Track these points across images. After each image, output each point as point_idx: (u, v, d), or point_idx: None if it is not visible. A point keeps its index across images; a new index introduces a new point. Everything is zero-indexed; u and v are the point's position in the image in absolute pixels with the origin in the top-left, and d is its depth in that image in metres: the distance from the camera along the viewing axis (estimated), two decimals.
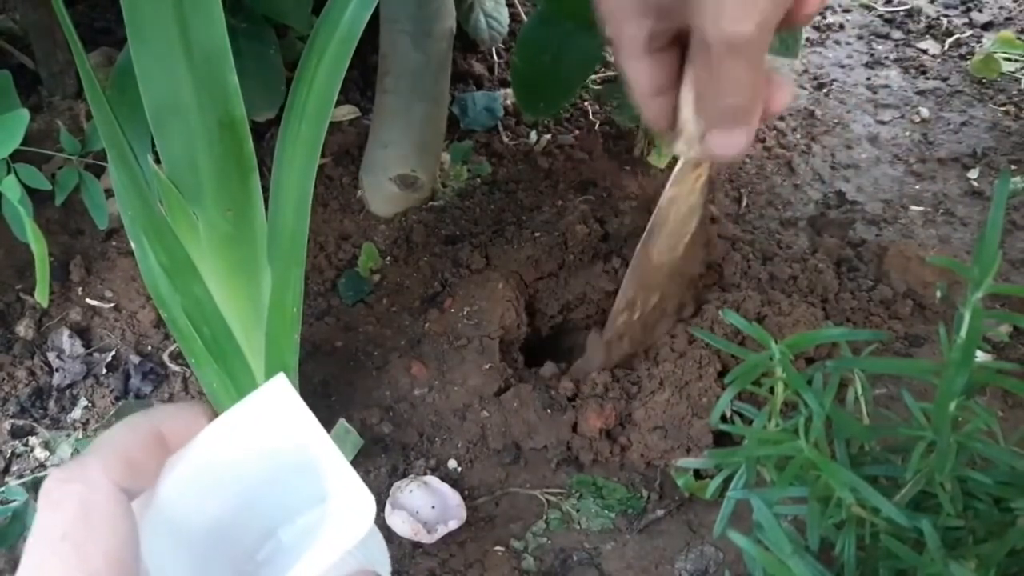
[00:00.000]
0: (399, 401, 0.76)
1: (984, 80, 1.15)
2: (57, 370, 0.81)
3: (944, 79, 1.16)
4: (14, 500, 0.74)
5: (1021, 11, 1.28)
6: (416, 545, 0.65)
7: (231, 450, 0.33)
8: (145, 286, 0.69)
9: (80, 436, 0.78)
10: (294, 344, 0.66)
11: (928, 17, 1.27)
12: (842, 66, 1.20)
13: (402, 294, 0.85)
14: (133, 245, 0.67)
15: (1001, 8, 1.29)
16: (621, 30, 0.46)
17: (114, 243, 0.90)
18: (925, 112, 1.10)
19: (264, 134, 0.96)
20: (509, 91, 1.07)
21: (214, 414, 0.32)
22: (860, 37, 1.26)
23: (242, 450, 0.33)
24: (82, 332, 0.84)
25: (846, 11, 1.31)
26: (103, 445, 0.30)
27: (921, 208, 0.96)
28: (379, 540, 0.37)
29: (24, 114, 0.75)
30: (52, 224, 0.90)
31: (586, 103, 1.07)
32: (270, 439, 0.33)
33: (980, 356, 0.75)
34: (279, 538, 0.35)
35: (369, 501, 0.31)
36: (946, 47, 1.22)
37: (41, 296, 0.69)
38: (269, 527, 0.36)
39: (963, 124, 1.08)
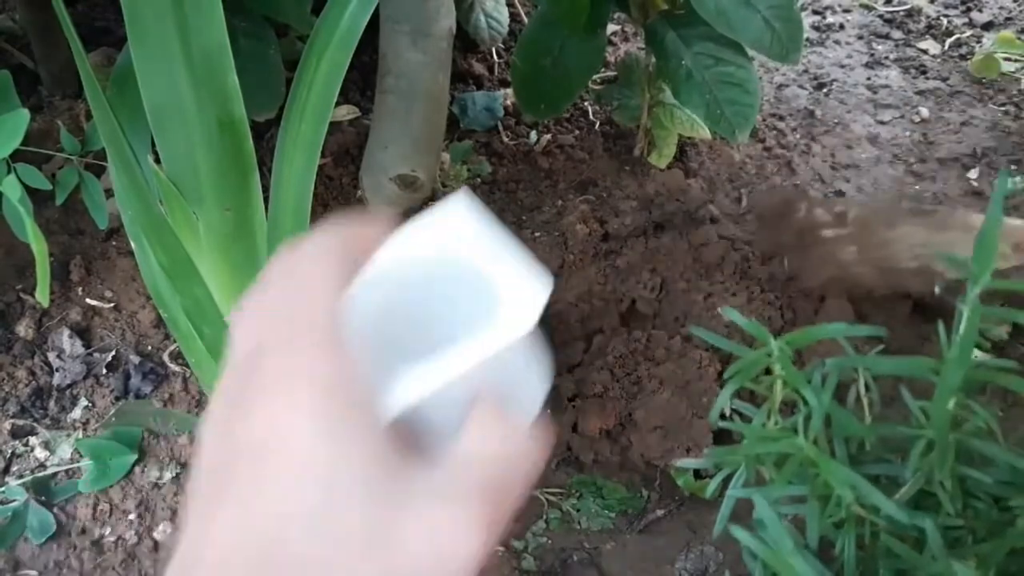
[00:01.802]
0: None
1: (984, 80, 1.15)
2: (57, 370, 0.81)
3: (944, 79, 1.16)
4: (14, 500, 0.74)
5: (1021, 11, 1.28)
6: None
7: (418, 251, 0.37)
8: (145, 286, 0.69)
9: (80, 436, 0.78)
10: None
11: (928, 17, 1.27)
12: (842, 66, 1.20)
13: None
14: (133, 245, 0.67)
15: (1001, 8, 1.29)
16: None
17: (114, 243, 0.90)
18: (925, 112, 1.10)
19: (264, 134, 0.96)
20: (509, 91, 1.07)
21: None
22: (860, 37, 1.26)
23: (429, 251, 0.37)
24: (82, 332, 0.84)
25: (846, 11, 1.31)
26: (318, 239, 0.34)
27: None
28: (537, 362, 0.38)
29: (24, 114, 0.75)
30: (52, 224, 0.90)
31: (586, 103, 1.07)
32: (454, 242, 0.37)
33: (979, 355, 0.75)
34: (452, 332, 0.36)
35: (533, 307, 0.34)
36: (946, 47, 1.22)
37: (41, 296, 0.69)
38: (447, 320, 0.38)
39: (963, 124, 1.08)
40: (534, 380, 0.38)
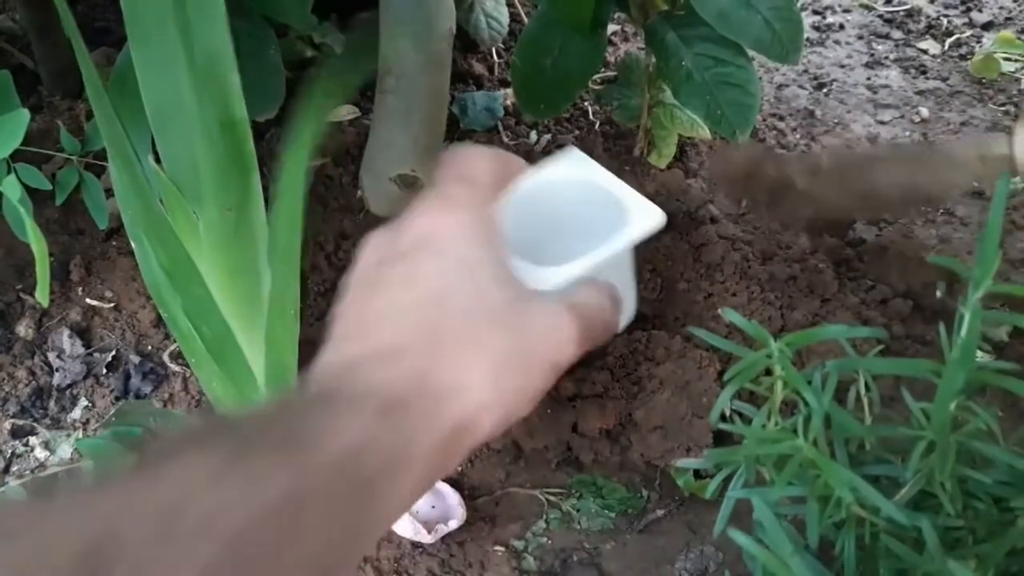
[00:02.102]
0: None
1: (984, 80, 1.15)
2: (57, 370, 0.81)
3: (944, 79, 1.16)
4: None
5: (1021, 11, 1.28)
6: (416, 545, 0.65)
7: (553, 178, 0.50)
8: (145, 286, 0.69)
9: (80, 436, 0.78)
10: (294, 344, 0.66)
11: (928, 17, 1.27)
12: (842, 66, 1.20)
13: None
14: (133, 245, 0.67)
15: (1001, 8, 1.29)
16: None
17: (114, 243, 0.90)
18: (925, 112, 1.10)
19: (264, 134, 0.96)
20: (509, 91, 1.07)
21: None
22: (860, 37, 1.26)
23: (560, 181, 0.50)
24: (82, 332, 0.84)
25: (846, 11, 1.31)
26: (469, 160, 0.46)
27: (921, 208, 0.96)
28: (634, 281, 0.50)
29: (24, 114, 0.75)
30: (52, 224, 0.90)
31: (586, 103, 1.07)
32: (580, 176, 0.51)
33: (980, 356, 0.75)
34: (592, 231, 0.49)
35: (659, 212, 0.46)
36: (946, 47, 1.22)
37: (41, 296, 0.69)
38: (586, 223, 0.50)
39: (963, 124, 1.08)
40: (629, 293, 0.50)
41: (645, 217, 0.48)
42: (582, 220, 0.52)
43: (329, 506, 0.33)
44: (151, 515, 0.28)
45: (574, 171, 0.53)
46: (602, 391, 0.71)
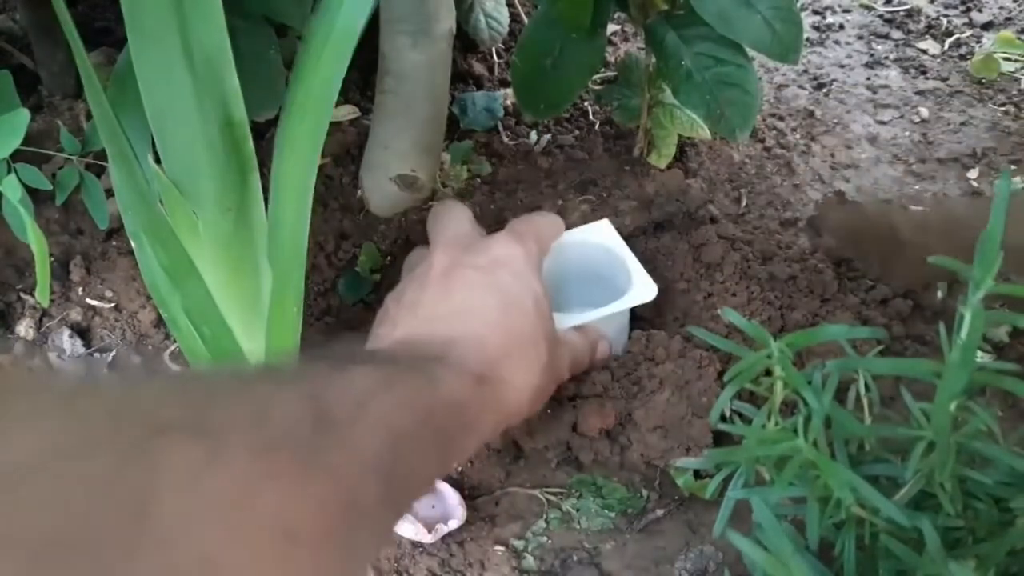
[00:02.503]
0: None
1: (984, 80, 1.15)
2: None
3: (944, 79, 1.16)
4: None
5: (1021, 11, 1.28)
6: (416, 545, 0.65)
7: (582, 240, 0.71)
8: (145, 286, 0.69)
9: None
10: (294, 344, 0.66)
11: (928, 17, 1.27)
12: (842, 66, 1.20)
13: None
14: (133, 245, 0.67)
15: (1001, 8, 1.29)
16: None
17: (114, 243, 0.90)
18: (925, 112, 1.10)
19: (264, 134, 0.95)
20: (509, 91, 1.07)
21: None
22: (860, 37, 1.26)
23: (587, 244, 0.71)
24: (82, 332, 0.84)
25: (846, 11, 1.31)
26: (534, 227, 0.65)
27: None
28: (627, 330, 0.72)
29: (24, 114, 0.75)
30: (52, 224, 0.90)
31: (586, 103, 1.07)
32: (603, 243, 0.71)
33: (980, 357, 0.75)
34: (600, 288, 0.70)
35: (654, 286, 0.68)
36: (946, 47, 1.22)
37: (41, 296, 0.69)
38: (597, 280, 0.72)
39: (963, 124, 1.08)
40: (620, 338, 0.70)
41: (643, 289, 0.68)
42: (596, 277, 0.71)
43: (445, 431, 0.45)
44: (349, 402, 0.37)
45: (599, 238, 0.71)
46: (601, 391, 0.71)
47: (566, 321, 0.64)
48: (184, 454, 0.28)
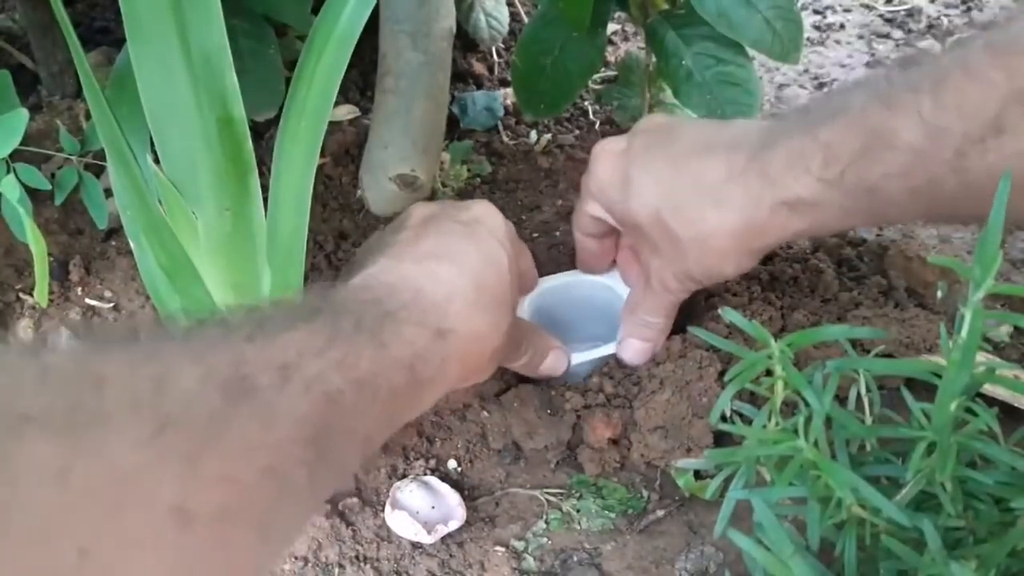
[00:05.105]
0: None
1: None
2: None
3: None
4: None
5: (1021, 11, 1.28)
6: (416, 545, 0.65)
7: (585, 279, 0.75)
8: (144, 286, 0.69)
9: None
10: None
11: (929, 17, 1.27)
12: (842, 66, 1.20)
13: None
14: (132, 245, 0.67)
15: (1002, 8, 1.29)
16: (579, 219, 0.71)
17: (114, 243, 0.90)
18: None
19: (264, 134, 0.95)
20: (509, 91, 1.07)
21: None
22: (860, 37, 1.26)
23: (589, 281, 0.75)
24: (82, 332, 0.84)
25: (846, 11, 1.31)
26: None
27: None
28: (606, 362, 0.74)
29: (24, 114, 0.75)
30: (51, 224, 0.90)
31: (586, 103, 1.07)
32: (605, 282, 0.75)
33: (980, 357, 0.75)
34: (595, 325, 0.74)
35: None
36: (946, 47, 1.22)
37: (41, 296, 0.69)
38: (589, 329, 0.75)
39: None
40: (594, 368, 0.73)
41: None
42: (601, 315, 0.75)
43: (393, 388, 0.43)
44: (275, 366, 0.36)
45: (607, 279, 0.75)
46: (605, 401, 0.71)
47: (572, 357, 0.70)
48: (45, 450, 0.27)
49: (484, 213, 0.59)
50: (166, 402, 0.31)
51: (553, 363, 0.69)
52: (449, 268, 0.52)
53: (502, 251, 0.57)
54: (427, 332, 0.47)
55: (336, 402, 0.38)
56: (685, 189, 0.58)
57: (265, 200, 0.64)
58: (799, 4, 1.13)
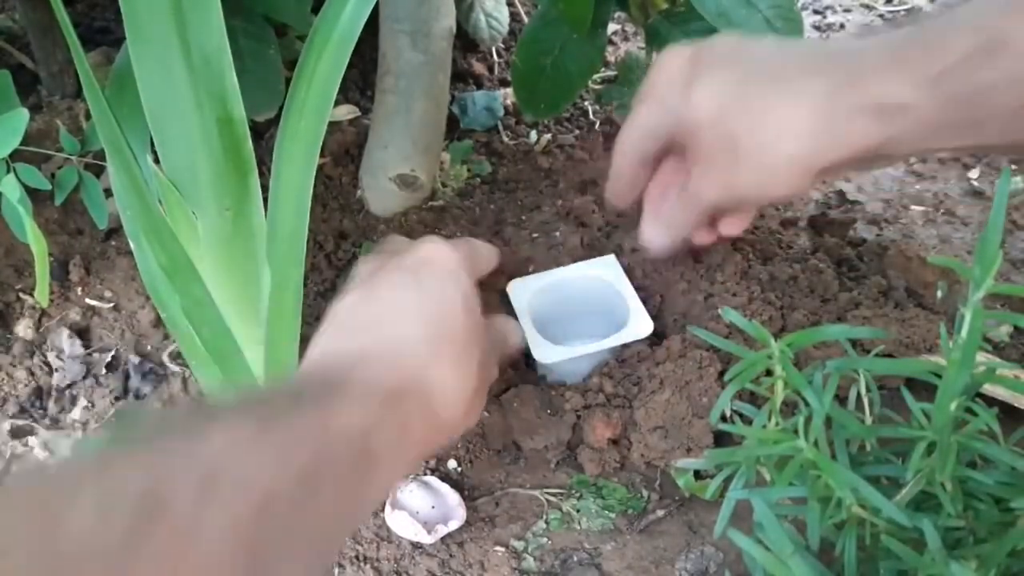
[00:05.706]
0: None
1: None
2: (57, 370, 0.81)
3: None
4: None
5: None
6: (416, 545, 0.65)
7: (585, 273, 0.74)
8: (144, 286, 0.69)
9: (80, 436, 0.78)
10: (294, 344, 0.66)
11: None
12: None
13: None
14: (132, 245, 0.67)
15: None
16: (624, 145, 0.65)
17: (114, 243, 0.90)
18: None
19: (264, 134, 0.96)
20: (509, 91, 1.07)
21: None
22: (861, 37, 1.26)
23: (589, 276, 0.74)
24: (82, 332, 0.84)
25: (846, 11, 1.31)
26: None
27: (922, 208, 0.96)
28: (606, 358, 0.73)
29: (24, 113, 0.75)
30: (51, 224, 0.90)
31: (586, 103, 1.07)
32: (606, 277, 0.73)
33: (981, 356, 0.75)
34: (595, 331, 0.72)
35: (650, 323, 0.70)
36: None
37: (41, 296, 0.69)
38: (588, 324, 0.74)
39: None
40: (593, 365, 0.72)
41: (638, 326, 0.70)
42: (597, 310, 0.74)
43: (344, 473, 0.38)
44: (194, 473, 0.31)
45: (603, 272, 0.73)
46: (604, 401, 0.71)
47: (565, 354, 0.68)
48: None
49: (430, 251, 0.54)
50: (62, 541, 0.27)
51: (515, 340, 0.64)
52: (395, 324, 0.48)
53: (454, 286, 0.52)
54: (376, 399, 0.42)
55: (274, 501, 0.33)
56: (757, 82, 0.52)
57: (265, 200, 0.64)
58: (799, 4, 1.13)
